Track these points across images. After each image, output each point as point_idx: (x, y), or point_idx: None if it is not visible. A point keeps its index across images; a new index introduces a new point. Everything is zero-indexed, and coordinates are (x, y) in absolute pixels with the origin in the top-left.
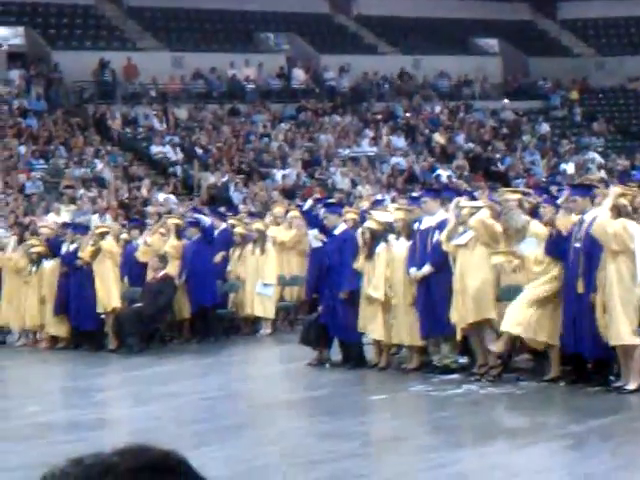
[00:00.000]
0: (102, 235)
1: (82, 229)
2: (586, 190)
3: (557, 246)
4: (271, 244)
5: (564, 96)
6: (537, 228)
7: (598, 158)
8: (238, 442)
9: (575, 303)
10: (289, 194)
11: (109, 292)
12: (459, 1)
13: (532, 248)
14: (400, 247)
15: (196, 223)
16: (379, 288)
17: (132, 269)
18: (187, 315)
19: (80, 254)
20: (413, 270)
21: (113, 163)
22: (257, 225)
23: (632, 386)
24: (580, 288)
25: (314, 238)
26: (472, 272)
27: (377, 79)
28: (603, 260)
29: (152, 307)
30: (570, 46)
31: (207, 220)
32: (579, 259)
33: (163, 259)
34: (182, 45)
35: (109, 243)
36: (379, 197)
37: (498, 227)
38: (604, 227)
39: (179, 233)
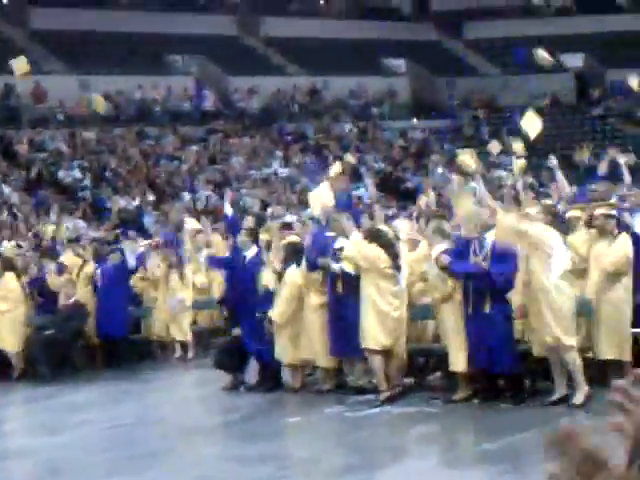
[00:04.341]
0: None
1: None
2: None
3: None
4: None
5: (471, 115)
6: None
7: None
8: (153, 470)
9: (480, 322)
10: (200, 216)
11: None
12: (366, 22)
13: (434, 270)
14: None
15: (119, 250)
16: (280, 310)
17: (42, 296)
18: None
19: None
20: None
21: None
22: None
23: (579, 399)
24: (487, 308)
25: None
26: (364, 302)
27: (286, 100)
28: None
29: (63, 333)
30: (476, 65)
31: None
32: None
33: (73, 284)
34: (89, 68)
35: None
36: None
37: (372, 250)
38: (508, 225)
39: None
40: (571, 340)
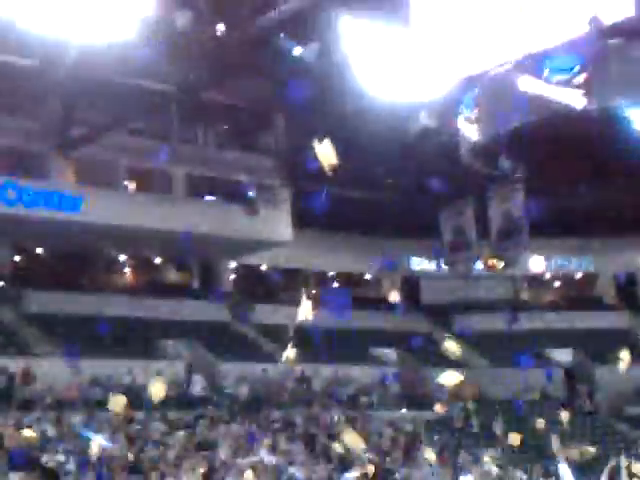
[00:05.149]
0: None
1: None
2: None
3: None
4: None
5: (460, 407)
6: None
7: (495, 470)
8: None
9: None
10: None
11: None
12: (357, 311)
13: None
14: None
15: None
16: None
17: None
18: None
19: None
20: None
21: None
22: None
23: None
24: None
25: None
26: None
27: (276, 387)
28: None
29: None
30: (465, 357)
31: None
32: None
33: None
34: (80, 351)
35: None
36: None
37: None
38: None
39: None
40: None
